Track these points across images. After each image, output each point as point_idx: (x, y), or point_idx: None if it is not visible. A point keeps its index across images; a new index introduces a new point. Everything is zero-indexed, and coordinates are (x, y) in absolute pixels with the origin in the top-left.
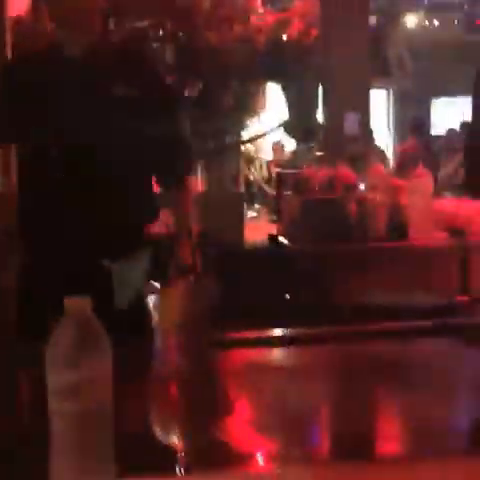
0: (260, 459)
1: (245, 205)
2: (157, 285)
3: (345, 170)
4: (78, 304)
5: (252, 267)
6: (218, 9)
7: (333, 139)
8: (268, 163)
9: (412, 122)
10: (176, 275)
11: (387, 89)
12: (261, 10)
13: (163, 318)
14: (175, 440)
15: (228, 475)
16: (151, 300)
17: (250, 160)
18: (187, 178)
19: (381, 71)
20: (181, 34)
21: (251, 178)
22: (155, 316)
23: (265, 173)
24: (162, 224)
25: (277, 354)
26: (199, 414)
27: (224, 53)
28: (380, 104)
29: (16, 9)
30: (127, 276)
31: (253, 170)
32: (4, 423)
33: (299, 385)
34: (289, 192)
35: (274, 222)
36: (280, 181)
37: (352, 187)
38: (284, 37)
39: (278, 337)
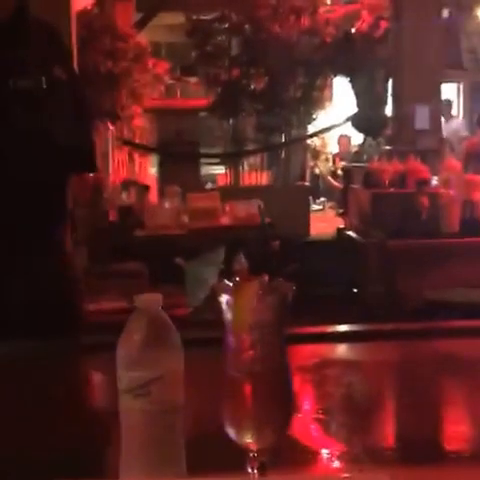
0: (332, 459)
1: (310, 198)
2: (230, 283)
3: (417, 164)
4: (149, 300)
5: (319, 259)
6: (285, 1)
7: (403, 133)
8: (334, 156)
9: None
10: None
11: (458, 82)
12: (329, 2)
13: (236, 317)
14: (249, 439)
15: (304, 476)
16: (224, 299)
17: (316, 153)
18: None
19: (453, 64)
20: (247, 26)
21: (317, 171)
22: (228, 315)
23: (331, 166)
24: (229, 215)
25: (344, 350)
26: (273, 413)
27: (291, 45)
28: (451, 98)
29: (82, 1)
30: (200, 274)
31: (319, 163)
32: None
33: (367, 382)
34: (357, 185)
35: (341, 215)
36: (348, 174)
37: (424, 181)
38: (353, 29)
39: (345, 332)
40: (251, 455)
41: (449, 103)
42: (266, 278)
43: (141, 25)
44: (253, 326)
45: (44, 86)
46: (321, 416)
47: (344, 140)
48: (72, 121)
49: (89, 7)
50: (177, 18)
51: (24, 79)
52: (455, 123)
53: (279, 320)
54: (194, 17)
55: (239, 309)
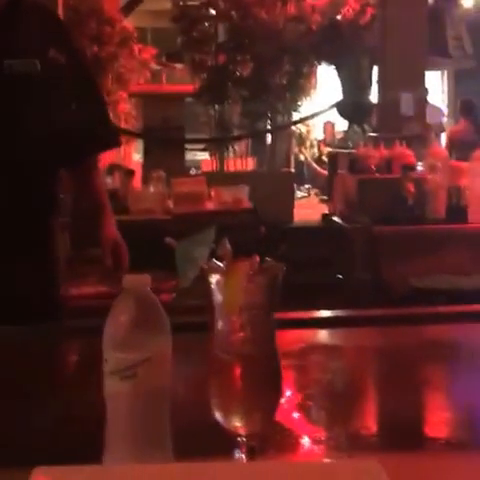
0: (318, 445)
1: (295, 185)
2: (221, 264)
3: (403, 150)
4: (137, 281)
5: (304, 245)
6: None
7: (388, 119)
8: (319, 143)
9: (462, 104)
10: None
11: (441, 70)
12: None
13: (226, 298)
14: (237, 424)
15: (292, 462)
16: (214, 279)
17: (301, 140)
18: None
19: (438, 51)
20: (234, 13)
21: (301, 158)
22: (218, 296)
23: (316, 153)
24: (215, 201)
25: (329, 335)
26: (263, 396)
27: (277, 32)
28: (435, 85)
29: None
30: (190, 254)
31: (304, 150)
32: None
33: (352, 368)
34: (342, 171)
35: (325, 201)
36: (333, 161)
37: (410, 167)
38: (339, 16)
39: (330, 317)
40: (239, 440)
41: (426, 90)
42: (257, 259)
43: (128, 10)
44: (243, 307)
45: (38, 68)
46: (306, 402)
47: (329, 126)
48: (83, 102)
49: None
50: (163, 4)
51: (18, 62)
52: (431, 109)
53: (270, 301)
54: (181, 3)
55: (229, 289)
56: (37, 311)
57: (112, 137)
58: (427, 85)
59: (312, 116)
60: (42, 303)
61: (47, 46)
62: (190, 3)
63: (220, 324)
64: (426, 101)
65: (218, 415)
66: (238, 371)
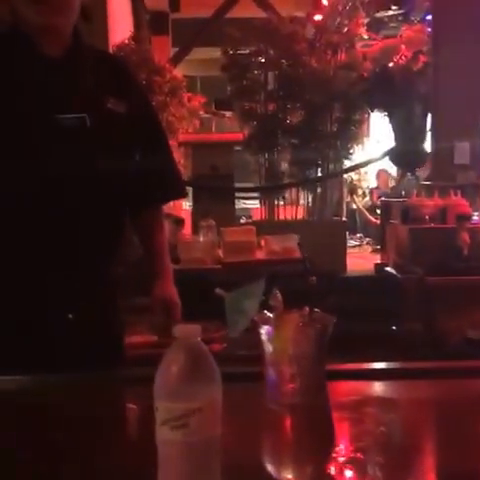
0: None
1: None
2: (270, 315)
3: (458, 199)
4: (188, 331)
5: (357, 296)
6: (322, 36)
7: (442, 168)
8: (371, 191)
9: None
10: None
11: None
12: (366, 37)
13: (276, 348)
14: (288, 475)
15: None
16: (264, 330)
17: (353, 188)
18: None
19: None
20: (283, 61)
21: (354, 206)
22: (268, 346)
23: (368, 201)
24: (265, 250)
25: (383, 387)
26: (313, 448)
27: (327, 80)
28: None
29: (119, 35)
30: (240, 305)
31: (356, 198)
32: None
33: (403, 420)
34: (395, 221)
35: (378, 251)
36: (386, 209)
37: (465, 217)
38: (391, 64)
39: (384, 370)
40: None
41: None
42: (306, 310)
43: (177, 59)
44: (293, 358)
45: (88, 124)
46: (359, 454)
47: (383, 175)
48: (148, 151)
49: (126, 41)
50: (212, 52)
51: (69, 117)
52: None
53: (319, 352)
54: (230, 51)
55: (279, 340)
56: (101, 358)
57: (177, 187)
58: None
59: (364, 164)
60: (110, 349)
61: (106, 96)
62: (240, 52)
63: (271, 375)
64: None
65: (269, 466)
66: (289, 422)
